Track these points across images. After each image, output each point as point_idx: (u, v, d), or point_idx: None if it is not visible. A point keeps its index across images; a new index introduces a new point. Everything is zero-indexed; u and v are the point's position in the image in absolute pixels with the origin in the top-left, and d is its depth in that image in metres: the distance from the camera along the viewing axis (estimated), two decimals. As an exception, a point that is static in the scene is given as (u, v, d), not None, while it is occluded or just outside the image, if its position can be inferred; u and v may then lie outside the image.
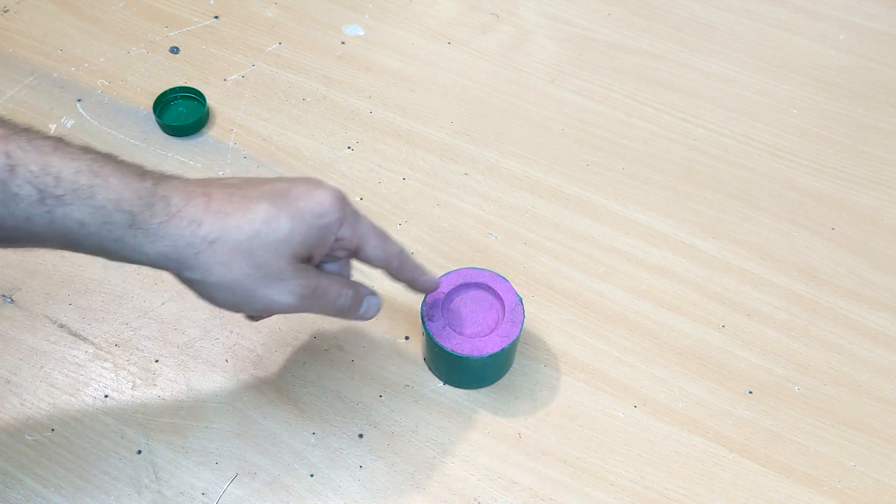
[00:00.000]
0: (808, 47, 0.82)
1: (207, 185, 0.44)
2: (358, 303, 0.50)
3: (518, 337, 0.55)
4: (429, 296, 0.55)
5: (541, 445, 0.56)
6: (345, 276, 0.50)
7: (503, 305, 0.55)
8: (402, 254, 0.50)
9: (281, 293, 0.44)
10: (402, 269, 0.50)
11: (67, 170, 0.40)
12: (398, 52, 0.80)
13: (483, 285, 0.56)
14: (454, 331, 0.55)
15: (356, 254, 0.49)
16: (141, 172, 0.43)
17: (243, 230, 0.43)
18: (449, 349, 0.53)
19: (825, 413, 0.58)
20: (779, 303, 0.64)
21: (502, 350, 0.54)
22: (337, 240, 0.46)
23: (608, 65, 0.80)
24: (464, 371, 0.56)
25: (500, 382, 0.59)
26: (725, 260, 0.66)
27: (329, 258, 0.49)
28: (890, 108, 0.77)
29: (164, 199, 0.42)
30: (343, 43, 0.80)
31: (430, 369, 0.59)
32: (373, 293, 0.51)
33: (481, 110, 0.76)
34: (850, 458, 0.56)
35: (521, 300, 0.56)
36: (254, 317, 0.52)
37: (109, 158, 0.42)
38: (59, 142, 0.41)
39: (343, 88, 0.76)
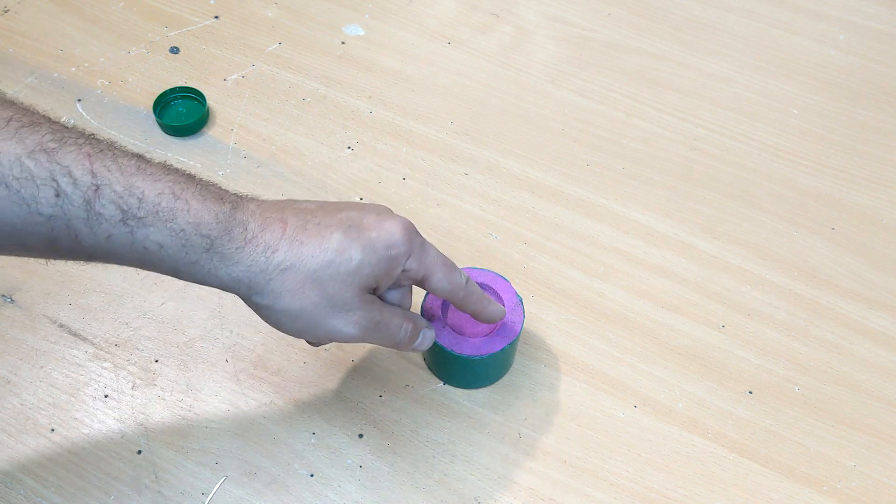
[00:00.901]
0: (808, 47, 0.82)
1: (283, 210, 0.45)
2: (416, 336, 0.50)
3: (518, 337, 0.55)
4: (429, 296, 0.56)
5: (541, 445, 0.56)
6: (405, 305, 0.50)
7: (503, 305, 0.55)
8: (467, 284, 0.50)
9: (346, 324, 0.45)
10: (467, 300, 0.50)
11: (150, 191, 0.40)
12: (398, 52, 0.80)
13: (483, 285, 0.56)
14: (454, 331, 0.55)
15: (422, 284, 0.49)
16: (219, 195, 0.43)
17: (316, 259, 0.43)
18: (449, 349, 0.53)
19: (825, 413, 0.58)
20: (779, 303, 0.64)
21: (502, 350, 0.54)
22: (404, 271, 0.47)
23: (608, 65, 0.80)
24: (464, 371, 0.56)
25: (500, 382, 0.59)
26: (725, 260, 0.66)
27: (393, 286, 0.49)
28: (890, 108, 0.77)
29: (241, 224, 0.42)
30: (343, 43, 0.80)
31: (430, 369, 0.59)
32: (428, 326, 0.51)
33: (481, 110, 0.76)
34: (850, 458, 0.56)
35: (521, 300, 0.56)
36: (314, 343, 0.52)
37: (190, 180, 0.43)
38: (142, 160, 0.42)
39: (343, 88, 0.76)
